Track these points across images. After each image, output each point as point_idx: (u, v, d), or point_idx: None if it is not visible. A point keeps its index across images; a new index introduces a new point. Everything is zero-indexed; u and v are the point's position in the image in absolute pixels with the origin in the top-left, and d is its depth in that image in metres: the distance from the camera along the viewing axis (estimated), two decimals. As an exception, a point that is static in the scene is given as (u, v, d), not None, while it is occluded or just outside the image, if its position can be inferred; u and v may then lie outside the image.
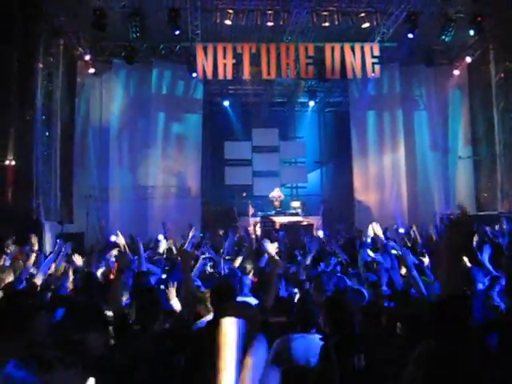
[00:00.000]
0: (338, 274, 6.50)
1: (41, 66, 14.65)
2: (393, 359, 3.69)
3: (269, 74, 16.73)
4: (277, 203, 18.58)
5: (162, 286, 5.45)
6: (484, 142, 18.28)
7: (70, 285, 6.21)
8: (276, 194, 18.78)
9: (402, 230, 15.44)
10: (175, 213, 17.88)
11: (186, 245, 6.82)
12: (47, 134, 15.30)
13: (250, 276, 6.54)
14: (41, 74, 14.76)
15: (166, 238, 14.59)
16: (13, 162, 13.50)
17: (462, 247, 2.22)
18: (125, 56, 17.00)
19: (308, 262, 7.77)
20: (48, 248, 12.42)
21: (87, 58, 16.76)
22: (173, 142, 18.86)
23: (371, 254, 7.67)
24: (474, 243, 7.79)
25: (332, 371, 3.37)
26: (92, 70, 17.12)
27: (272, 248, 5.66)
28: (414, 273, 4.74)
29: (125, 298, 5.20)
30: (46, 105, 15.09)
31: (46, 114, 15.12)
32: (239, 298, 4.54)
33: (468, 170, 18.76)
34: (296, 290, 6.39)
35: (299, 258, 8.77)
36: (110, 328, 3.87)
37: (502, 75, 16.84)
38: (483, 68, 17.85)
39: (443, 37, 15.78)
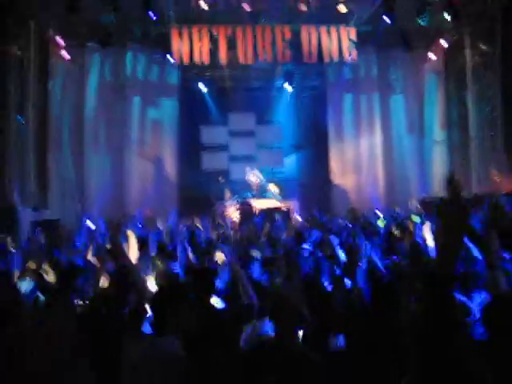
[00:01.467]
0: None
1: (13, 51, 14.34)
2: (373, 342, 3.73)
3: (245, 58, 16.64)
4: (254, 187, 18.58)
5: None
6: (459, 126, 18.47)
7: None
8: (253, 178, 18.75)
9: (379, 213, 15.60)
10: (152, 198, 17.79)
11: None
12: (20, 118, 15.00)
13: None
14: (12, 56, 14.43)
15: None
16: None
17: (460, 228, 2.19)
18: (99, 39, 16.70)
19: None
20: (23, 235, 12.24)
21: (60, 40, 16.37)
22: (149, 127, 18.70)
23: None
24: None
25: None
26: (65, 53, 16.74)
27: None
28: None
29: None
30: (18, 89, 14.77)
31: (18, 99, 14.80)
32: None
33: (443, 153, 18.95)
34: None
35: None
36: None
37: (477, 59, 16.96)
38: (459, 53, 17.96)
39: (419, 20, 15.81)
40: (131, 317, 4.06)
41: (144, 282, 4.55)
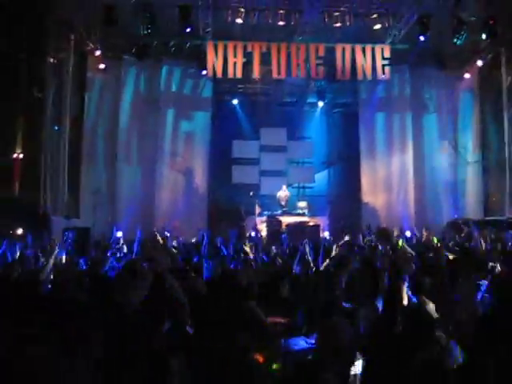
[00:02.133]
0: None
1: (51, 60, 14.69)
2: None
3: (279, 73, 16.74)
4: (283, 202, 18.58)
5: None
6: (493, 147, 18.18)
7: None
8: (282, 193, 18.77)
9: (408, 234, 15.42)
10: (182, 210, 17.93)
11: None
12: (56, 128, 15.33)
13: None
14: (51, 68, 14.79)
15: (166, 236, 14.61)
16: (21, 156, 13.55)
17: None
18: (135, 52, 17.02)
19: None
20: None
21: (97, 53, 16.73)
22: (181, 140, 18.88)
23: None
24: None
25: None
26: (102, 66, 17.11)
27: None
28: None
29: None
30: (56, 99, 15.11)
31: (55, 109, 15.14)
32: None
33: (477, 174, 18.66)
34: None
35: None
36: None
37: (512, 79, 16.75)
38: (494, 72, 17.74)
39: (455, 40, 15.67)
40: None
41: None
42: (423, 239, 13.15)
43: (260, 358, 3.78)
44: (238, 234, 14.41)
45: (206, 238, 9.75)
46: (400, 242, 11.92)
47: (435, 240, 12.91)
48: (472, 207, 18.45)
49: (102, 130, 17.78)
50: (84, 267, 7.64)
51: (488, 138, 18.56)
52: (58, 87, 15.27)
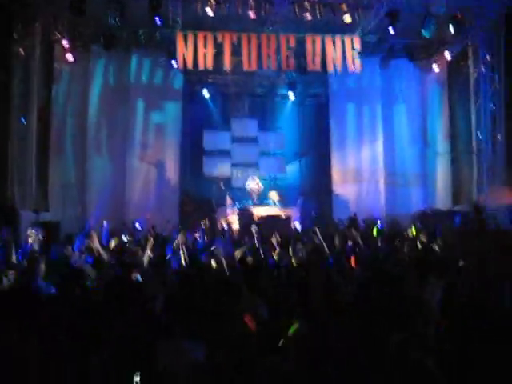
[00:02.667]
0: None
1: (18, 51, 14.38)
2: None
3: (250, 65, 16.65)
4: (254, 195, 18.62)
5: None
6: (461, 138, 18.47)
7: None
8: (253, 185, 18.79)
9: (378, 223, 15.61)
10: (153, 202, 17.80)
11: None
12: (23, 120, 15.03)
13: None
14: (17, 58, 14.47)
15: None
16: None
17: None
18: (104, 42, 16.73)
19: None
20: (23, 237, 12.22)
21: (65, 43, 16.36)
22: (152, 131, 18.68)
23: None
24: None
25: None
26: (70, 56, 16.75)
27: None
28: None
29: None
30: (23, 91, 14.80)
31: (22, 100, 14.83)
32: None
33: (446, 165, 18.94)
34: None
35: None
36: None
37: (481, 71, 16.98)
38: (462, 64, 17.99)
39: (423, 32, 15.83)
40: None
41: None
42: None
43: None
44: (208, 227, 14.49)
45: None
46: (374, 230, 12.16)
47: (413, 231, 13.08)
48: (441, 198, 18.73)
49: (71, 122, 17.50)
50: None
51: (456, 129, 18.83)
52: (24, 77, 14.95)
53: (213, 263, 7.11)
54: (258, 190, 18.77)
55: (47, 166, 16.47)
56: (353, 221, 16.42)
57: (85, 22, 16.03)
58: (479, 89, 17.06)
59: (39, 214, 13.77)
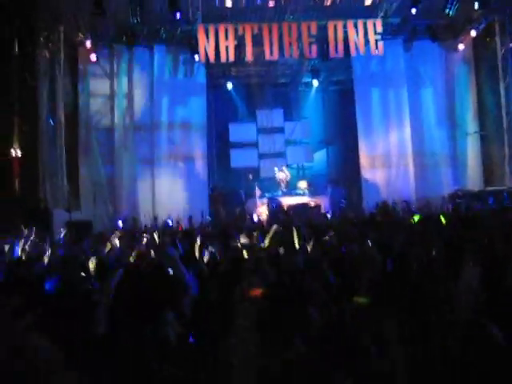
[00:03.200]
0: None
1: (44, 54, 14.61)
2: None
3: (271, 54, 16.62)
4: (283, 184, 18.63)
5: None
6: (491, 117, 18.13)
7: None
8: (282, 175, 18.79)
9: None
10: (182, 197, 17.90)
11: None
12: (51, 122, 15.29)
13: None
14: (43, 62, 14.71)
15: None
16: (18, 153, 13.51)
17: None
18: (126, 41, 16.90)
19: None
20: (57, 236, 12.46)
21: (88, 43, 16.58)
22: (177, 126, 18.76)
23: None
24: None
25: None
26: (93, 56, 16.97)
27: None
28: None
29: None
30: (49, 93, 15.05)
31: (49, 102, 15.09)
32: None
33: (475, 145, 18.63)
34: None
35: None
36: None
37: (509, 48, 16.63)
38: (488, 41, 17.63)
39: (447, 10, 15.58)
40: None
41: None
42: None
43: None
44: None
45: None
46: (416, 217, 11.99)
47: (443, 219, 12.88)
48: (472, 178, 18.45)
49: (98, 121, 17.69)
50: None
51: (485, 109, 18.49)
52: (50, 80, 15.20)
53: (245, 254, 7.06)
54: (287, 180, 18.76)
55: (77, 166, 16.72)
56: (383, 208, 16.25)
57: (106, 22, 16.18)
58: (507, 64, 16.70)
59: (71, 213, 13.98)
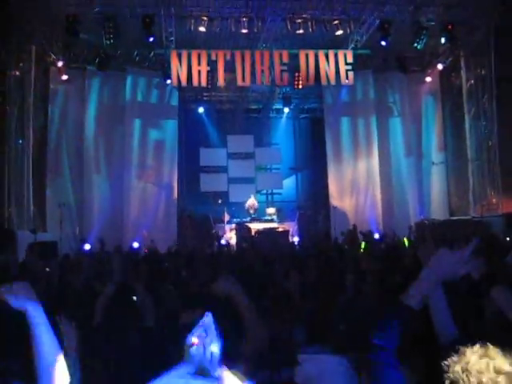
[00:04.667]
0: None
1: (15, 73, 14.50)
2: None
3: (243, 80, 16.78)
4: (252, 211, 18.68)
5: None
6: (456, 148, 18.57)
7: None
8: (251, 202, 18.87)
9: (376, 236, 15.68)
10: (151, 220, 17.79)
11: None
12: (20, 141, 15.10)
13: None
14: (12, 80, 14.58)
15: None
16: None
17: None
18: (98, 63, 16.87)
19: None
20: (21, 257, 12.22)
21: (60, 64, 16.52)
22: (149, 149, 18.72)
23: None
24: None
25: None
26: (65, 77, 16.89)
27: None
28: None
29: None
30: (18, 112, 14.89)
31: (18, 122, 14.91)
32: None
33: (441, 175, 19.03)
34: None
35: None
36: None
37: (473, 82, 17.14)
38: (455, 75, 18.16)
39: (415, 44, 16.00)
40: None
41: None
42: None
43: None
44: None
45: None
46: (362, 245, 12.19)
47: (406, 242, 13.14)
48: (437, 208, 18.78)
49: (67, 142, 17.53)
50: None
51: (450, 140, 18.95)
52: (20, 100, 15.05)
53: None
54: (255, 207, 18.83)
55: (44, 186, 16.51)
56: (352, 233, 16.47)
57: (79, 43, 16.19)
58: (472, 98, 17.18)
59: (36, 234, 13.75)
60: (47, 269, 7.72)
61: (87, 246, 15.72)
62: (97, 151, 17.93)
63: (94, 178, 17.70)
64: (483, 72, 16.59)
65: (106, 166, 18.02)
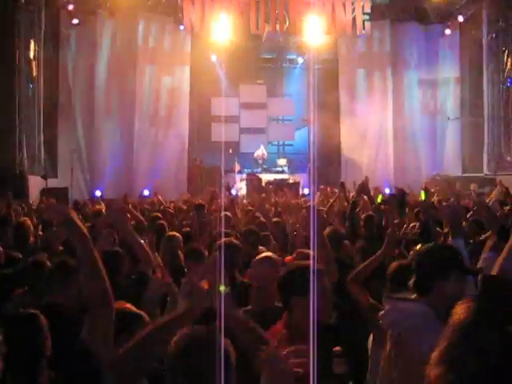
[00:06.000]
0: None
1: (25, 15, 14.24)
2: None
3: (258, 28, 16.45)
4: (260, 161, 18.63)
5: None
6: (472, 104, 18.21)
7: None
8: (260, 152, 18.78)
9: (387, 191, 15.57)
10: (162, 168, 17.79)
11: None
12: (30, 86, 14.99)
13: None
14: (22, 24, 14.34)
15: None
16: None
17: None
18: (109, 7, 16.52)
19: None
20: (32, 202, 12.31)
21: (70, 7, 16.18)
22: (161, 97, 18.55)
23: None
24: None
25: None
26: (76, 21, 16.56)
27: None
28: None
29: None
30: (28, 56, 14.72)
31: (28, 66, 14.76)
32: None
33: (456, 131, 18.75)
34: None
35: None
36: None
37: (494, 35, 16.63)
38: (475, 28, 17.62)
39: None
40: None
41: None
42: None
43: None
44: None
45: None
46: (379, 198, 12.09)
47: (422, 195, 12.95)
48: (450, 164, 18.60)
49: (79, 88, 17.34)
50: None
51: (467, 95, 18.56)
52: (31, 43, 14.85)
53: None
54: (264, 158, 18.75)
55: (56, 132, 16.47)
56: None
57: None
58: (491, 53, 16.72)
59: (47, 179, 13.82)
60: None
61: (98, 193, 15.78)
62: (108, 98, 17.76)
63: (105, 123, 17.58)
64: (505, 25, 16.08)
65: (118, 112, 17.88)
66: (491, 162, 16.60)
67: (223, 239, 4.33)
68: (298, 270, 2.79)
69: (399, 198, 8.24)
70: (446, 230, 4.70)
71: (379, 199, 11.04)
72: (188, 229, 6.54)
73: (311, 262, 2.78)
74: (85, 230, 2.42)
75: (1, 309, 3.54)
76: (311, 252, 3.32)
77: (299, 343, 1.80)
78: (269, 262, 3.55)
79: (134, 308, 2.95)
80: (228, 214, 7.17)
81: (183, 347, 1.90)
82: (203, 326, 2.00)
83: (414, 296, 2.70)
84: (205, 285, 2.02)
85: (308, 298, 2.51)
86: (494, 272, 1.91)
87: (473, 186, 15.15)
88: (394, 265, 3.72)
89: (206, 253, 4.72)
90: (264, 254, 3.78)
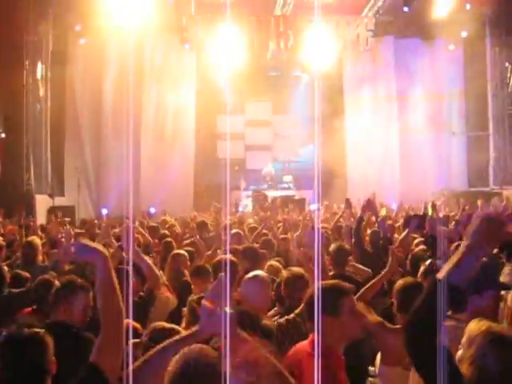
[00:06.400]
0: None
1: (32, 36, 14.42)
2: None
3: (262, 46, 16.57)
4: (268, 178, 18.64)
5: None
6: (477, 118, 18.23)
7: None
8: (267, 170, 18.84)
9: (394, 206, 15.52)
10: (167, 186, 17.80)
11: None
12: (38, 106, 15.13)
13: None
14: (31, 45, 14.52)
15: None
16: (2, 135, 13.40)
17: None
18: (115, 27, 16.63)
19: None
20: (39, 221, 12.35)
21: (78, 28, 16.36)
22: (167, 114, 18.65)
23: None
24: None
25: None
26: (83, 41, 16.74)
27: None
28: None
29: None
30: (36, 76, 14.88)
31: (35, 86, 14.91)
32: None
33: (461, 145, 18.74)
34: None
35: None
36: None
37: (497, 50, 16.70)
38: (479, 43, 17.68)
39: (439, 11, 15.60)
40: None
41: None
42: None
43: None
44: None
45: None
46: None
47: (430, 209, 12.88)
48: (456, 179, 18.56)
49: (86, 107, 17.48)
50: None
51: (472, 109, 18.58)
52: (37, 63, 15.01)
53: None
54: (271, 175, 18.78)
55: (63, 151, 16.58)
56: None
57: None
58: (495, 67, 16.76)
59: (54, 198, 13.90)
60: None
61: (104, 211, 15.81)
62: (115, 116, 17.84)
63: (111, 142, 17.64)
64: (508, 40, 16.14)
65: (124, 131, 17.92)
66: (497, 176, 16.58)
67: (220, 256, 4.35)
68: (328, 289, 2.81)
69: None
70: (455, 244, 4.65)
71: (383, 212, 11.01)
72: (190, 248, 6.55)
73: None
74: (102, 249, 2.43)
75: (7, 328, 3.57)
76: (315, 269, 3.31)
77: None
78: (258, 281, 3.54)
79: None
80: (239, 231, 7.24)
81: (182, 366, 1.90)
82: (203, 344, 2.01)
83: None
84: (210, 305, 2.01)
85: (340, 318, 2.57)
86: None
87: (480, 202, 15.09)
88: (400, 282, 3.71)
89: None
90: (253, 273, 3.77)
